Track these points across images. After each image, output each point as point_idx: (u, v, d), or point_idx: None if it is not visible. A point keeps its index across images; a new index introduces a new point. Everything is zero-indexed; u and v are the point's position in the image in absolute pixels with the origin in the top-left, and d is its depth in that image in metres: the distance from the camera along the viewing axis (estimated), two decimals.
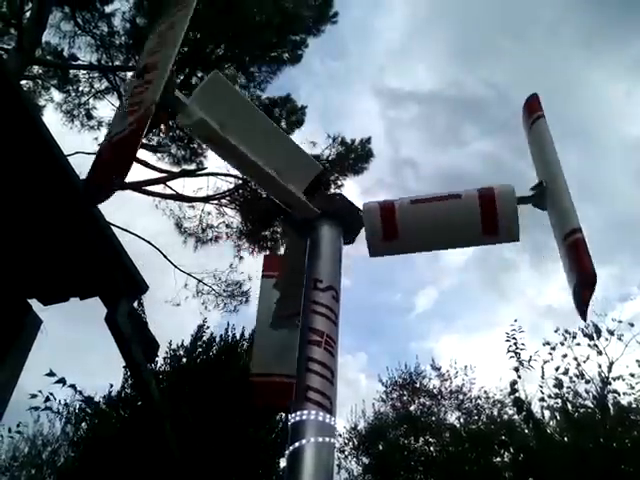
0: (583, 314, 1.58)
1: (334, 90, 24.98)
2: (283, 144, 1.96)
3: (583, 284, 1.57)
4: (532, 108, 2.09)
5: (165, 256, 12.74)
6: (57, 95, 13.54)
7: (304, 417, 1.34)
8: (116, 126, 1.55)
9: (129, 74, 13.25)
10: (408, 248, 1.95)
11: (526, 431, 10.47)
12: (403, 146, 25.87)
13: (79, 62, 13.11)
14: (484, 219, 1.79)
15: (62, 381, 5.88)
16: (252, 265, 13.99)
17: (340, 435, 14.27)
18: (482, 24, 25.24)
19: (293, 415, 1.36)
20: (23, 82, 12.27)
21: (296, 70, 13.57)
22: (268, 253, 13.49)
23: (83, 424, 10.55)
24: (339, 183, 13.28)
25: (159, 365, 11.74)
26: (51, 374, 5.64)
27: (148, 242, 12.50)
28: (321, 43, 13.52)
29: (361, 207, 1.89)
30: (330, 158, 13.23)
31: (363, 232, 1.89)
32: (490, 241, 1.89)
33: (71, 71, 13.36)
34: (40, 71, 13.42)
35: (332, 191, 12.93)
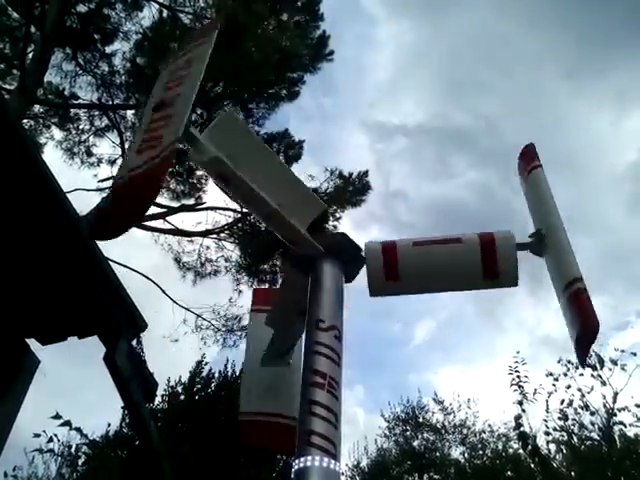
0: (582, 362, 1.58)
1: (324, 124, 25.39)
2: (289, 181, 1.98)
3: (586, 336, 1.57)
4: (528, 158, 2.14)
5: (164, 291, 12.69)
6: (58, 133, 13.74)
7: (308, 463, 1.30)
8: (132, 161, 1.53)
9: (129, 112, 13.48)
10: (408, 289, 1.96)
11: (532, 466, 10.26)
12: (393, 178, 26.17)
13: (80, 101, 13.34)
14: (485, 264, 1.81)
15: (68, 424, 5.75)
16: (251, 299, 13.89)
17: (343, 473, 13.96)
18: (468, 59, 25.89)
19: (297, 461, 1.33)
20: (24, 121, 12.45)
21: (286, 104, 13.82)
22: (257, 287, 13.41)
23: (80, 466, 10.30)
24: (337, 216, 13.35)
25: (157, 402, 11.55)
26: (57, 417, 5.50)
27: (146, 277, 12.47)
28: (311, 79, 13.81)
29: (362, 246, 1.90)
30: (328, 191, 13.33)
31: (363, 270, 1.89)
32: (490, 285, 1.90)
33: (72, 110, 13.56)
34: (41, 110, 13.63)
35: (331, 224, 13.01)
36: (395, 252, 1.87)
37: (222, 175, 1.72)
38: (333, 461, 1.32)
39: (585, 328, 1.58)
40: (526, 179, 2.10)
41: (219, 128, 1.80)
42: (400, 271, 1.84)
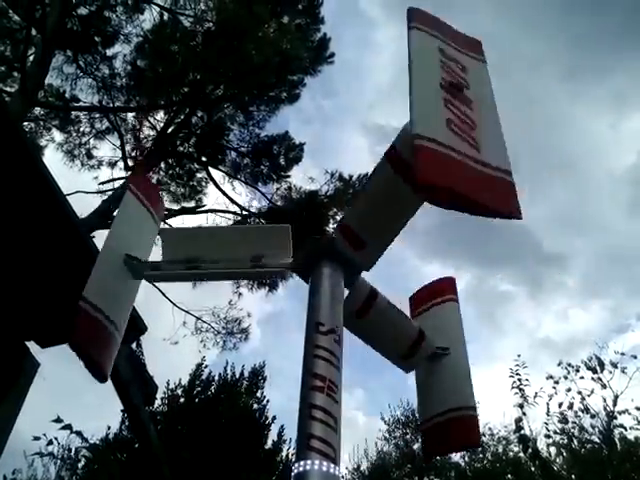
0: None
1: (323, 126, 25.41)
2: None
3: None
4: (445, 290, 2.34)
5: (163, 294, 12.68)
6: (58, 135, 13.76)
7: (307, 467, 1.30)
8: (441, 132, 1.47)
9: (130, 114, 13.49)
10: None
11: (532, 469, 10.24)
12: None
13: (80, 103, 13.35)
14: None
15: (69, 427, 5.73)
16: (251, 301, 13.91)
17: (343, 477, 13.93)
18: None
19: (296, 465, 1.32)
20: (25, 123, 12.46)
21: (286, 107, 13.83)
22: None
23: (80, 469, 10.28)
24: (338, 218, 13.34)
25: (157, 405, 11.54)
26: (58, 420, 5.49)
27: (148, 281, 12.44)
28: (311, 81, 13.83)
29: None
30: (328, 193, 13.33)
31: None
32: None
33: (72, 112, 13.58)
34: (42, 112, 13.65)
35: (331, 226, 12.99)
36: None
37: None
38: (333, 465, 1.32)
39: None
40: (440, 307, 2.29)
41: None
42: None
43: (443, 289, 2.36)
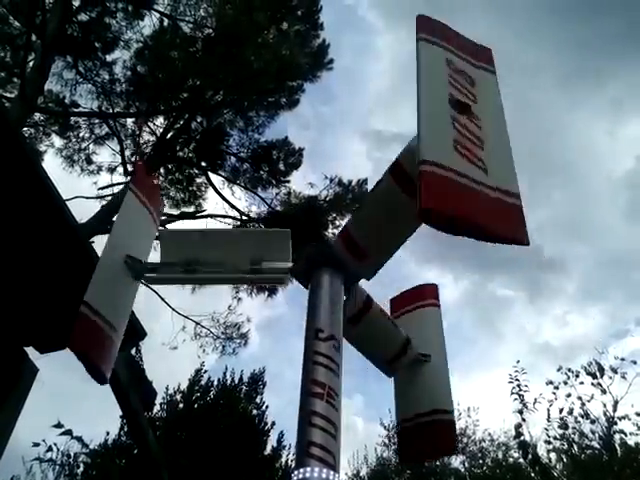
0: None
1: (321, 132, 25.46)
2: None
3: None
4: (427, 295, 2.36)
5: (162, 299, 12.66)
6: (58, 141, 13.77)
7: (307, 474, 1.29)
8: (446, 155, 1.43)
9: (129, 120, 13.52)
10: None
11: (532, 475, 10.21)
12: None
13: (80, 109, 13.38)
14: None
15: (69, 433, 5.71)
16: (251, 306, 13.89)
17: None
18: None
19: (296, 472, 1.32)
20: (25, 129, 12.48)
21: (285, 113, 13.85)
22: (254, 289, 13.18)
23: (80, 476, 10.23)
24: (337, 223, 13.35)
25: (156, 411, 11.51)
26: (59, 425, 5.46)
27: (146, 285, 12.44)
28: (309, 87, 13.86)
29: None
30: (327, 199, 13.34)
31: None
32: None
33: (72, 118, 13.60)
34: (42, 118, 13.67)
35: (330, 231, 13.00)
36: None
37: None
38: (332, 472, 1.31)
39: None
40: (422, 310, 2.32)
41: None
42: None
43: (425, 294, 2.37)
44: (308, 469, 1.31)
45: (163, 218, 13.00)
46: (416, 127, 1.47)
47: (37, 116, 13.36)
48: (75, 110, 13.36)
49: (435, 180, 1.36)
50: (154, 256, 2.17)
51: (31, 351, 3.48)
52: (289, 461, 11.72)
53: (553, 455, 10.13)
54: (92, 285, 1.76)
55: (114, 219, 2.00)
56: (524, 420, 9.52)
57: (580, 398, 9.85)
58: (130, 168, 12.90)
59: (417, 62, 1.61)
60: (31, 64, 11.58)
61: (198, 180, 13.95)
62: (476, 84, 1.74)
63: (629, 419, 9.61)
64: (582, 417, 9.80)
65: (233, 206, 13.60)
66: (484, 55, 1.90)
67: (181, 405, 11.96)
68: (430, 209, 1.31)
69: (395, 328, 2.11)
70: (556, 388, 9.95)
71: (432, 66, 1.69)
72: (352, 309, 1.92)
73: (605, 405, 9.83)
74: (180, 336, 13.11)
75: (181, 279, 2.10)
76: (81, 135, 13.67)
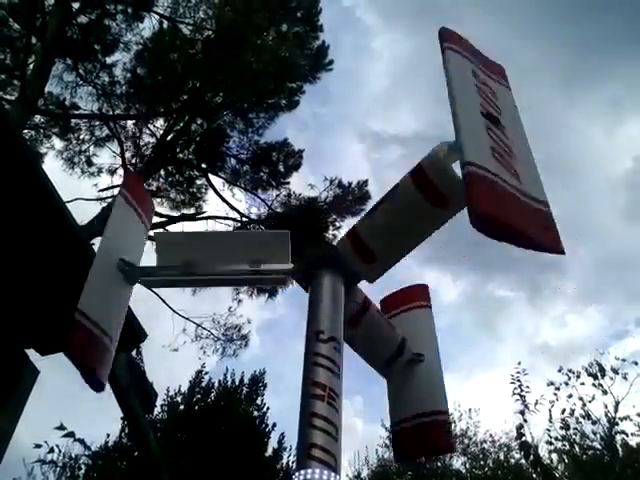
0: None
1: (320, 134, 25.47)
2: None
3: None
4: (419, 296, 2.35)
5: (163, 300, 12.66)
6: (58, 143, 13.79)
7: (308, 476, 1.29)
8: (487, 160, 1.41)
9: (130, 122, 13.54)
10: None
11: (534, 476, 10.20)
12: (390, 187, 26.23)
13: (80, 111, 13.40)
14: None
15: (71, 435, 5.70)
16: (251, 308, 13.90)
17: None
18: None
19: (297, 474, 1.31)
20: (25, 131, 12.49)
21: (285, 114, 13.86)
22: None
23: (80, 477, 10.22)
24: (337, 225, 13.37)
25: (157, 412, 11.50)
26: (61, 427, 5.46)
27: (147, 287, 12.43)
28: (309, 88, 13.87)
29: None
30: (328, 200, 13.35)
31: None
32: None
33: (72, 120, 13.62)
34: (42, 120, 13.69)
35: (330, 233, 13.01)
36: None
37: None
38: (333, 474, 1.31)
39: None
40: (414, 311, 2.31)
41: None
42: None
43: (417, 295, 2.36)
44: (309, 471, 1.31)
45: (164, 220, 13.03)
46: (454, 131, 1.46)
47: (37, 118, 13.40)
48: (75, 112, 13.40)
49: (486, 184, 1.35)
50: (148, 260, 2.16)
51: (32, 353, 3.49)
52: (290, 462, 11.71)
53: (555, 456, 10.15)
54: (85, 292, 1.75)
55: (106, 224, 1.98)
56: (525, 421, 9.52)
57: (581, 399, 9.87)
58: (131, 169, 12.93)
59: (446, 71, 1.61)
60: (31, 66, 11.61)
61: (198, 182, 13.98)
62: (497, 96, 1.74)
63: (630, 420, 9.63)
64: (583, 418, 9.82)
65: (233, 208, 13.63)
66: (499, 71, 1.92)
67: (182, 407, 11.95)
68: (484, 214, 1.29)
69: (392, 329, 2.11)
70: (557, 389, 9.96)
71: (462, 75, 1.69)
72: (350, 311, 1.92)
73: (606, 406, 9.86)
74: (181, 338, 13.14)
75: (179, 282, 2.08)
76: (81, 137, 13.71)
